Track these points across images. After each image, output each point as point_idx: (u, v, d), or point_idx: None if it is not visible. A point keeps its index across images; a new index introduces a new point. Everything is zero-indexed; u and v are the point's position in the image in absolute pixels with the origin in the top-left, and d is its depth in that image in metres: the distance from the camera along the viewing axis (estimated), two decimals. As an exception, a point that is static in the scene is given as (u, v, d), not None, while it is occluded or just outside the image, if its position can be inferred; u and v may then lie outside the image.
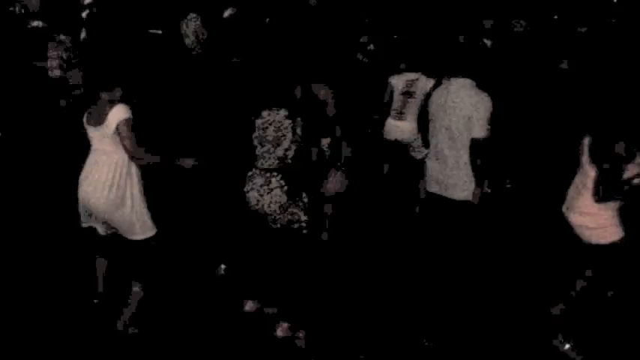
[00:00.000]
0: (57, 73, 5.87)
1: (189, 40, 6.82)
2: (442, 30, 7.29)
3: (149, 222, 4.24)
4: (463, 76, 4.41)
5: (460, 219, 4.42)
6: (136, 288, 4.25)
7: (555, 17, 7.80)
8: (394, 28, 7.73)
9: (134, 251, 4.24)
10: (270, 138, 4.02)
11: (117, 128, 4.00)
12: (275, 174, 4.06)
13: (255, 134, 4.06)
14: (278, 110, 4.01)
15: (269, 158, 4.04)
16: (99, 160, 4.12)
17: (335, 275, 4.86)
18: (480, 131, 4.28)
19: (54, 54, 5.86)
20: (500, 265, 5.02)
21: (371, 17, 7.94)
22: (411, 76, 5.92)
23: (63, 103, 5.85)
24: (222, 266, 4.86)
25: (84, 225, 4.28)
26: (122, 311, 4.22)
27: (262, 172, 4.05)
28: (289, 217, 4.06)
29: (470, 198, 4.34)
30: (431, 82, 5.77)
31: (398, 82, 5.95)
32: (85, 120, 4.19)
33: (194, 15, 7.08)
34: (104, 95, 4.12)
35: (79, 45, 6.11)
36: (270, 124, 4.02)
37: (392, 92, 5.96)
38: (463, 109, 4.31)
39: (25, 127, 5.94)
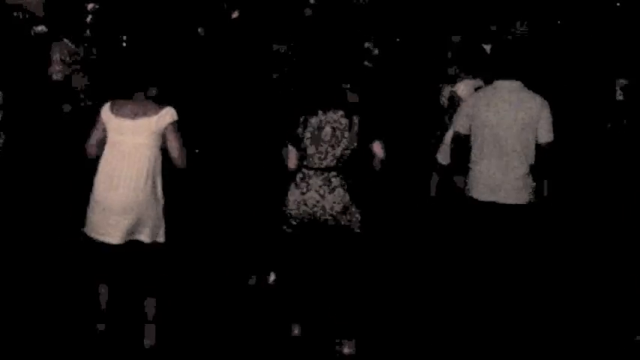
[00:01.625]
0: (59, 76, 5.83)
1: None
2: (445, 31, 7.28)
3: (162, 220, 4.16)
4: (508, 78, 4.35)
5: (520, 224, 4.39)
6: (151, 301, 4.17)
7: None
8: (395, 31, 7.73)
9: (153, 258, 4.13)
10: (327, 137, 3.99)
11: (165, 129, 4.01)
12: (334, 173, 4.03)
13: (306, 134, 4.03)
14: (335, 110, 3.99)
15: (326, 158, 4.00)
16: (130, 153, 4.01)
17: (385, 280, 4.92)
18: (548, 135, 4.27)
19: (56, 57, 5.82)
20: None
21: (371, 22, 7.92)
22: (478, 82, 5.59)
23: (67, 108, 5.81)
24: (272, 276, 4.88)
25: (99, 238, 4.05)
26: (144, 328, 4.16)
27: (318, 172, 4.01)
28: (348, 217, 4.02)
29: (524, 202, 4.32)
30: None
31: (465, 90, 5.62)
32: (109, 110, 4.09)
33: None
34: (139, 94, 4.12)
35: (83, 49, 6.06)
36: (328, 123, 4.00)
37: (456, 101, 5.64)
38: (522, 111, 4.26)
39: (28, 131, 5.90)
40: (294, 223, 4.12)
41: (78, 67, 5.89)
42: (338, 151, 4.03)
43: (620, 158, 6.12)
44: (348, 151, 4.04)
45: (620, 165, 6.06)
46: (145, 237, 4.07)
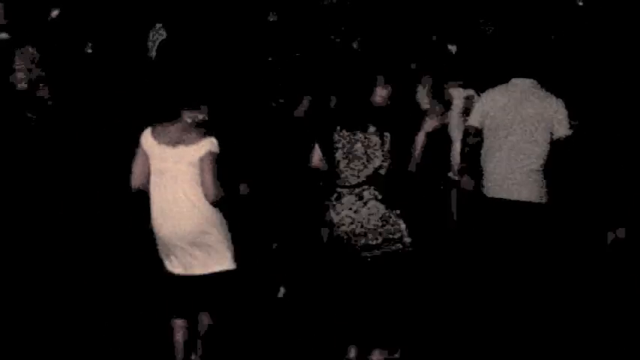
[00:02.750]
0: (23, 85, 5.69)
1: None
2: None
3: (230, 247, 3.99)
4: (521, 77, 4.49)
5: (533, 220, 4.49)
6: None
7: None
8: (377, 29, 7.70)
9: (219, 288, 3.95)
10: (359, 154, 3.93)
11: (202, 159, 3.81)
12: (366, 187, 3.96)
13: (338, 150, 3.98)
14: (366, 126, 3.94)
15: (358, 175, 3.95)
16: (174, 185, 3.85)
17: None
18: (566, 130, 4.39)
19: (20, 66, 5.69)
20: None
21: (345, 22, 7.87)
22: (470, 92, 5.73)
23: (31, 116, 5.67)
24: (282, 290, 4.82)
25: (175, 270, 3.96)
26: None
27: (350, 190, 3.95)
28: (390, 227, 3.94)
29: (538, 200, 4.45)
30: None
31: (458, 98, 5.75)
32: (150, 136, 3.91)
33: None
34: (187, 115, 3.90)
35: (47, 57, 5.92)
36: (358, 141, 3.94)
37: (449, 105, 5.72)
38: (540, 109, 4.40)
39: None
40: (336, 244, 4.06)
41: (43, 74, 5.76)
42: (370, 169, 3.96)
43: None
44: (383, 170, 3.97)
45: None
46: (208, 265, 3.92)
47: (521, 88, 4.53)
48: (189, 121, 3.92)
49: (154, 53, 6.87)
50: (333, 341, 4.30)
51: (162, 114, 4.03)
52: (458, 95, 5.85)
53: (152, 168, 3.92)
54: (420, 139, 4.08)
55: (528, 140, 4.46)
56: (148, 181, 3.96)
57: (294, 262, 5.26)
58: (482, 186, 4.66)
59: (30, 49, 5.80)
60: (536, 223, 4.52)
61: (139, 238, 4.94)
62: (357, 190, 3.97)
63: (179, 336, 4.02)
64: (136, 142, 3.96)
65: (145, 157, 3.94)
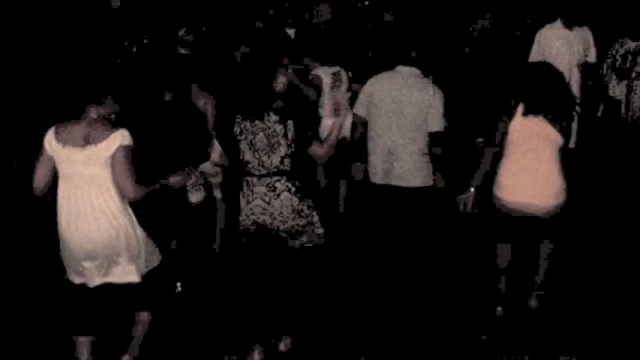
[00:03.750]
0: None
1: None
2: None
3: (152, 244, 3.82)
4: (405, 65, 4.57)
5: (419, 205, 4.60)
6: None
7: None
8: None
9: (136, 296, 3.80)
10: (262, 143, 3.84)
11: (114, 155, 3.54)
12: (278, 178, 3.86)
13: (242, 140, 3.87)
14: (267, 115, 3.82)
15: (264, 166, 3.86)
16: (84, 189, 3.56)
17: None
18: (439, 125, 4.52)
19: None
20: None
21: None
22: (334, 69, 5.90)
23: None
24: (178, 284, 4.68)
25: (77, 281, 3.72)
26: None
27: (260, 180, 3.86)
28: (303, 220, 3.89)
29: (427, 184, 4.55)
30: (346, 75, 5.88)
31: (325, 76, 5.86)
32: (54, 139, 3.58)
33: None
34: (92, 110, 3.60)
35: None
36: (260, 130, 3.83)
37: (319, 87, 5.81)
38: (418, 99, 4.47)
39: None
40: (247, 232, 3.97)
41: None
42: (276, 159, 3.88)
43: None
44: (289, 159, 3.89)
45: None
46: (124, 273, 3.70)
47: (403, 76, 4.65)
48: (94, 116, 3.62)
49: None
50: (239, 337, 4.24)
51: (65, 112, 3.73)
52: (325, 73, 5.99)
53: (59, 173, 3.63)
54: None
55: (411, 129, 4.58)
56: (50, 186, 3.68)
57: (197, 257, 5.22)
58: (368, 172, 4.77)
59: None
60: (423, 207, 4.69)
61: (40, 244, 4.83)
62: (268, 181, 3.91)
63: (85, 354, 3.78)
64: (39, 143, 3.67)
65: (49, 160, 3.63)
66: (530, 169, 4.24)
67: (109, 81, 3.81)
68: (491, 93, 6.65)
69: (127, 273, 3.73)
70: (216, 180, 5.26)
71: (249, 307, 4.14)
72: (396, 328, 4.43)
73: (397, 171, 4.63)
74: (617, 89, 6.83)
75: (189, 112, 4.91)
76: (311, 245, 4.01)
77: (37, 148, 3.69)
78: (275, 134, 3.87)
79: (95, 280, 3.71)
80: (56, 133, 3.61)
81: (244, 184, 3.96)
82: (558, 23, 6.74)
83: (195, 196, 4.72)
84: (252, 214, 3.93)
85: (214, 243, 5.37)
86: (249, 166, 3.92)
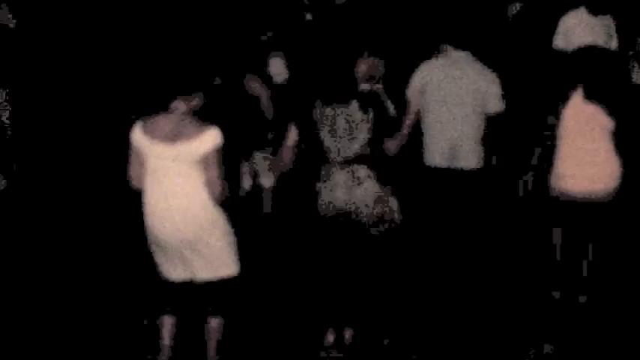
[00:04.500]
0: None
1: None
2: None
3: (235, 251, 3.74)
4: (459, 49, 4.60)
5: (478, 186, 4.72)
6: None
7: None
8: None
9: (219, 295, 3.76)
10: (342, 130, 3.81)
11: (207, 156, 3.44)
12: (357, 165, 3.84)
13: (322, 126, 3.85)
14: (348, 102, 3.82)
15: (345, 152, 3.83)
16: (174, 186, 3.49)
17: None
18: (499, 105, 4.57)
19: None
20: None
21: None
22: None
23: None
24: None
25: (173, 277, 3.70)
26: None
27: (341, 167, 3.81)
28: (385, 207, 3.87)
29: (480, 166, 4.65)
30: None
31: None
32: (142, 133, 3.51)
33: None
34: (180, 104, 3.50)
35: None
36: (341, 116, 3.81)
37: None
38: (477, 83, 4.54)
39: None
40: (326, 219, 3.94)
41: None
42: (357, 145, 3.85)
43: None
44: (368, 146, 3.86)
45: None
46: (206, 271, 3.65)
47: (455, 58, 4.67)
48: (183, 110, 3.52)
49: None
50: (311, 325, 4.23)
51: (151, 105, 3.67)
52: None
53: (147, 167, 3.55)
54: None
55: (470, 111, 4.63)
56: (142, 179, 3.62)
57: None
58: (423, 155, 4.80)
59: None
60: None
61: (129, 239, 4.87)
62: (348, 168, 3.85)
63: (167, 334, 3.78)
64: (125, 138, 3.65)
65: (139, 155, 3.56)
66: (589, 155, 4.16)
67: (201, 73, 3.69)
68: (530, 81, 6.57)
69: (210, 269, 3.68)
70: (264, 166, 5.18)
71: (321, 294, 4.15)
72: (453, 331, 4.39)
73: (460, 153, 4.67)
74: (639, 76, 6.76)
75: (241, 97, 4.86)
76: (388, 231, 4.01)
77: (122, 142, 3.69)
78: (356, 120, 3.85)
79: (188, 273, 3.67)
80: (144, 126, 3.53)
81: (324, 171, 3.94)
82: (582, 10, 6.64)
83: (269, 180, 4.68)
84: (336, 201, 3.89)
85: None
86: (330, 153, 3.89)
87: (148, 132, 3.49)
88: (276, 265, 5.02)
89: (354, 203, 3.85)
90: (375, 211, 3.88)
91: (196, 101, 3.55)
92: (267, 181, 5.16)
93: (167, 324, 3.79)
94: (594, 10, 6.46)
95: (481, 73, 4.64)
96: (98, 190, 5.94)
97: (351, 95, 3.88)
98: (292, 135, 3.98)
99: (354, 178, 3.84)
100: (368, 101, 3.91)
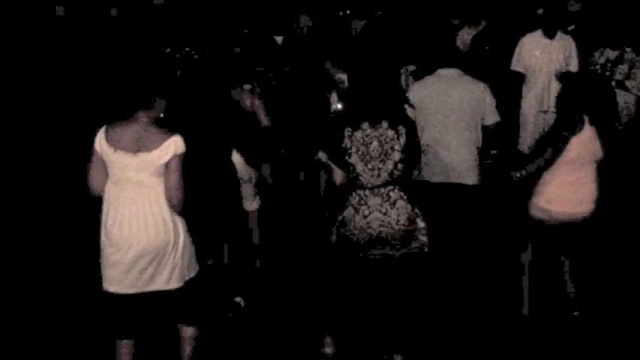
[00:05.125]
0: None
1: None
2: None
3: (193, 253, 3.74)
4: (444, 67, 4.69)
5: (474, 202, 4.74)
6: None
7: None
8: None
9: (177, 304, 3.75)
10: (376, 153, 3.76)
11: (167, 164, 3.47)
12: (390, 187, 3.83)
13: (353, 150, 3.78)
14: (379, 122, 3.76)
15: (379, 175, 3.78)
16: (134, 193, 3.51)
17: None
18: (494, 116, 4.68)
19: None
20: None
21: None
22: None
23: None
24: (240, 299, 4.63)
25: (112, 289, 3.62)
26: None
27: (373, 192, 3.79)
28: (414, 227, 3.85)
29: (477, 182, 4.73)
30: None
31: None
32: (104, 140, 3.50)
33: None
34: (142, 113, 3.52)
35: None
36: (374, 138, 3.76)
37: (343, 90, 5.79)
38: (471, 98, 4.64)
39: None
40: (359, 246, 3.87)
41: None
42: (389, 166, 3.81)
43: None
44: (401, 165, 3.83)
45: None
46: (162, 284, 3.63)
47: (448, 76, 4.80)
48: (145, 120, 3.55)
49: None
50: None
51: (114, 114, 3.66)
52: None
53: (109, 175, 3.57)
54: None
55: (462, 125, 4.76)
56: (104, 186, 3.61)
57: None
58: (419, 173, 4.77)
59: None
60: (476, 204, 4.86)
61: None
62: (382, 191, 3.83)
63: (126, 358, 3.73)
64: (88, 143, 3.62)
65: (100, 161, 3.57)
66: (578, 180, 4.30)
67: (159, 84, 3.68)
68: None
69: (167, 281, 3.66)
70: (250, 190, 5.10)
71: (359, 320, 4.11)
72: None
73: (456, 169, 4.76)
74: None
75: (237, 114, 4.77)
76: (417, 252, 3.96)
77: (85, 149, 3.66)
78: (388, 140, 3.82)
79: (135, 288, 3.63)
80: (107, 134, 3.54)
81: (355, 197, 3.85)
82: (539, 32, 6.80)
83: (256, 203, 4.78)
84: (370, 227, 3.83)
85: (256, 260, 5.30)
86: (361, 178, 3.84)
87: (111, 140, 3.51)
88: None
89: (388, 224, 3.82)
90: (407, 232, 3.85)
91: (157, 111, 3.60)
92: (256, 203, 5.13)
93: (125, 347, 3.74)
94: (550, 32, 6.61)
95: (472, 87, 4.77)
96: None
97: (381, 115, 3.81)
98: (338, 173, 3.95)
99: (387, 200, 3.82)
100: (396, 117, 3.85)
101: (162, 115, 3.66)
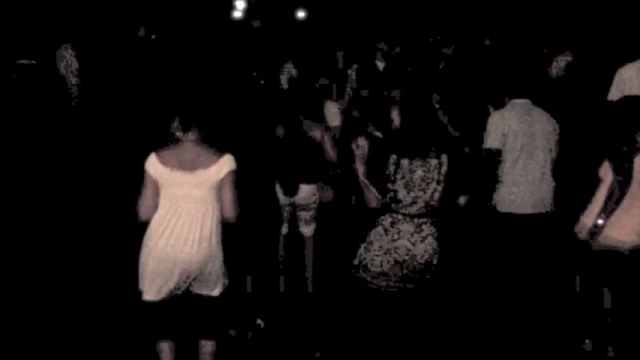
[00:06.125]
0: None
1: None
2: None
3: (224, 267, 3.92)
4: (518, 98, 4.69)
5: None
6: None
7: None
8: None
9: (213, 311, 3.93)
10: (419, 181, 3.77)
11: (223, 179, 3.71)
12: (425, 220, 3.80)
13: (398, 177, 3.78)
14: (428, 151, 3.77)
15: (417, 203, 3.77)
16: (190, 210, 3.71)
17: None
18: (557, 150, 4.66)
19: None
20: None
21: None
22: None
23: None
24: (259, 321, 4.68)
25: (150, 298, 3.80)
26: None
27: (407, 219, 3.77)
28: (435, 261, 3.86)
29: (553, 209, 4.80)
30: None
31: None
32: (158, 162, 3.70)
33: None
34: (186, 135, 3.72)
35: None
36: (420, 167, 3.75)
37: None
38: (548, 129, 4.76)
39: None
40: (377, 270, 3.89)
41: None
42: (428, 195, 3.83)
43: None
44: (437, 194, 3.83)
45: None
46: (206, 290, 3.86)
47: (525, 107, 4.82)
48: (193, 139, 3.74)
49: None
50: None
51: (159, 138, 3.87)
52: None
53: (163, 194, 3.74)
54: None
55: (543, 157, 4.78)
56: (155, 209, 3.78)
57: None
58: (495, 202, 4.85)
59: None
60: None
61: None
62: (416, 221, 3.84)
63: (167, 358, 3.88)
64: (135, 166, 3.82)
65: (154, 186, 3.74)
66: (636, 206, 4.13)
67: (201, 108, 3.87)
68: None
69: (204, 289, 3.86)
70: (309, 214, 5.24)
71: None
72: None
73: (540, 199, 4.80)
74: None
75: (304, 145, 5.04)
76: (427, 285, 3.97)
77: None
78: (431, 170, 3.83)
79: (175, 292, 3.80)
80: (159, 157, 3.70)
81: (388, 218, 3.88)
82: (638, 62, 6.47)
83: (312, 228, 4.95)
84: (396, 252, 3.86)
85: (308, 282, 5.35)
86: (401, 204, 3.85)
87: (165, 163, 3.69)
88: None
89: (413, 256, 3.84)
90: (426, 266, 3.90)
91: (198, 133, 3.77)
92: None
93: (166, 349, 3.92)
94: None
95: (546, 118, 4.81)
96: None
97: (429, 145, 3.87)
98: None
99: (419, 232, 3.85)
100: (440, 145, 3.90)
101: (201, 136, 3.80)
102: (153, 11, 10.62)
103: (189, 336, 3.97)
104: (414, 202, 3.82)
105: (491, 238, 4.97)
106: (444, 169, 3.82)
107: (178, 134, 3.75)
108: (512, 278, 4.82)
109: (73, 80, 7.82)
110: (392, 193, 3.84)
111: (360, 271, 3.94)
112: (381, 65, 8.11)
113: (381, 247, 3.86)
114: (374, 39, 8.56)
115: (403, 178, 3.81)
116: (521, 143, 4.77)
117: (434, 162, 3.82)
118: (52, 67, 7.94)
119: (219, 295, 3.88)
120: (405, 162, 3.81)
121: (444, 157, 3.83)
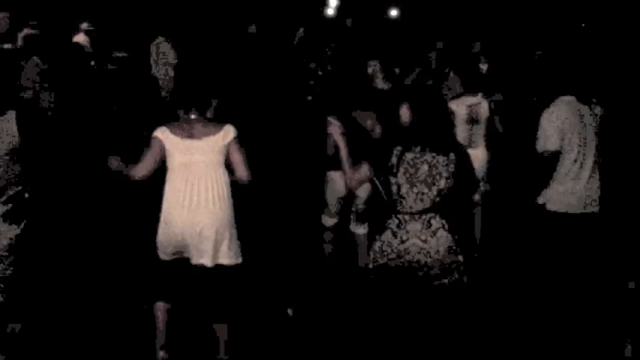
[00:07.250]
0: (29, 94, 5.84)
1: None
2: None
3: (237, 242, 4.10)
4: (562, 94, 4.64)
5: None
6: None
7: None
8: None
9: (231, 281, 4.03)
10: (423, 177, 3.67)
11: (230, 143, 4.00)
12: (432, 214, 3.70)
13: (401, 176, 3.69)
14: (433, 147, 3.69)
15: (422, 200, 3.68)
16: (203, 174, 3.96)
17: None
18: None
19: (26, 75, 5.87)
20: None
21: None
22: (473, 100, 5.73)
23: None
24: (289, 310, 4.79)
25: (167, 258, 4.05)
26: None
27: (414, 217, 3.69)
28: (453, 257, 3.72)
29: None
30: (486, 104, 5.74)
31: (459, 108, 5.69)
32: (168, 132, 3.98)
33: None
34: (193, 114, 4.03)
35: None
36: (425, 161, 3.68)
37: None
38: (596, 125, 4.64)
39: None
40: (390, 272, 3.76)
41: (46, 85, 5.93)
42: (434, 192, 3.68)
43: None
44: (445, 192, 3.68)
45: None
46: (225, 259, 4.01)
47: (575, 103, 4.67)
48: (208, 115, 4.13)
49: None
50: None
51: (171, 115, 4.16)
52: (459, 104, 5.74)
53: (173, 163, 3.98)
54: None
55: (597, 155, 4.65)
56: (149, 174, 4.04)
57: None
58: (544, 200, 4.69)
59: (35, 59, 6.01)
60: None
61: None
62: (423, 217, 3.69)
63: (161, 318, 4.06)
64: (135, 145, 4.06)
65: (158, 150, 3.99)
66: None
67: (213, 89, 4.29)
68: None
69: (225, 255, 4.01)
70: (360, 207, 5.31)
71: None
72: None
73: (591, 198, 4.67)
74: None
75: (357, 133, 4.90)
76: (455, 284, 3.76)
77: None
78: (438, 166, 3.69)
79: (194, 258, 3.97)
80: (170, 127, 4.01)
81: (395, 221, 3.73)
82: None
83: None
84: (408, 253, 3.69)
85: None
86: (403, 201, 3.70)
87: (177, 132, 3.99)
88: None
89: (427, 253, 3.68)
90: (445, 263, 3.69)
91: (211, 109, 4.18)
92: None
93: (161, 310, 4.09)
94: None
95: (595, 116, 4.68)
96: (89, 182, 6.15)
97: (436, 140, 3.72)
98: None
99: (428, 228, 3.69)
100: (449, 143, 3.76)
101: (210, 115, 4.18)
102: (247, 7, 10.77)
103: (211, 303, 4.09)
104: (418, 199, 3.68)
105: (541, 237, 4.76)
106: (452, 167, 3.67)
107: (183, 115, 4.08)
108: (561, 279, 4.65)
109: (166, 72, 7.95)
110: (395, 187, 3.69)
111: (377, 275, 3.80)
112: (484, 68, 7.89)
113: (392, 250, 3.71)
114: (469, 39, 8.36)
115: (406, 171, 3.68)
116: (578, 141, 4.63)
117: (441, 159, 3.68)
118: (144, 60, 8.19)
119: (234, 266, 4.02)
120: (409, 155, 3.68)
121: (452, 156, 3.69)
